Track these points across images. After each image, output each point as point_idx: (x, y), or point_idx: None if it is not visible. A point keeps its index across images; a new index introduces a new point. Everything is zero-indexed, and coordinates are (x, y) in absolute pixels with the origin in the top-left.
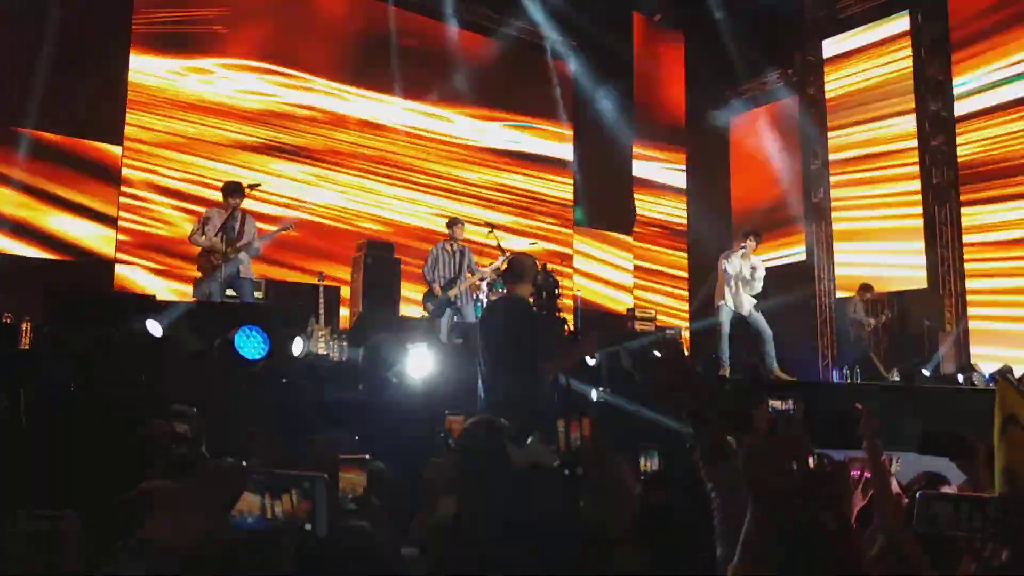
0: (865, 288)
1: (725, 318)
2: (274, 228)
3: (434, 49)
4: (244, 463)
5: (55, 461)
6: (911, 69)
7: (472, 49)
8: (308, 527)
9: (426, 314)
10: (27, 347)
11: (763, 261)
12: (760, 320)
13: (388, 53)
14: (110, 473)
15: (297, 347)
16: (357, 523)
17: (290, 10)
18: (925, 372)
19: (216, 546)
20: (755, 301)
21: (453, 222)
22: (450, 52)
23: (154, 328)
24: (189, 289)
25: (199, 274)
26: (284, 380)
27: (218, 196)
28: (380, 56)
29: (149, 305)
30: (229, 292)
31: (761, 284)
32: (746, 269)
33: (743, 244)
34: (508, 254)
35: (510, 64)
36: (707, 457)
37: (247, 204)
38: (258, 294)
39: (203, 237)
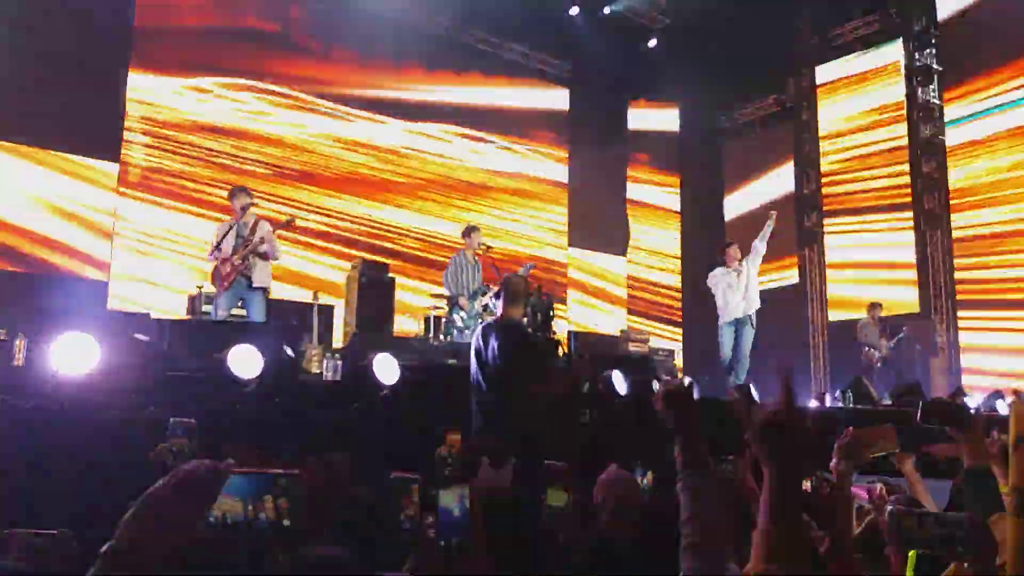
0: (874, 306)
1: (727, 339)
2: (280, 222)
3: (433, 71)
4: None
5: (47, 479)
6: (904, 96)
7: (470, 71)
8: (286, 523)
9: (462, 326)
10: (21, 364)
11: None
12: (748, 339)
13: (386, 75)
14: (103, 491)
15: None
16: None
17: (288, 33)
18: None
19: (190, 548)
20: (753, 309)
21: (471, 230)
22: (449, 75)
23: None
24: (184, 307)
25: (214, 289)
26: (276, 400)
27: (211, 212)
28: (377, 78)
29: (143, 323)
30: (239, 307)
31: (756, 276)
32: (732, 277)
33: (726, 256)
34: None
35: (507, 86)
36: (690, 466)
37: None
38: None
39: (217, 251)
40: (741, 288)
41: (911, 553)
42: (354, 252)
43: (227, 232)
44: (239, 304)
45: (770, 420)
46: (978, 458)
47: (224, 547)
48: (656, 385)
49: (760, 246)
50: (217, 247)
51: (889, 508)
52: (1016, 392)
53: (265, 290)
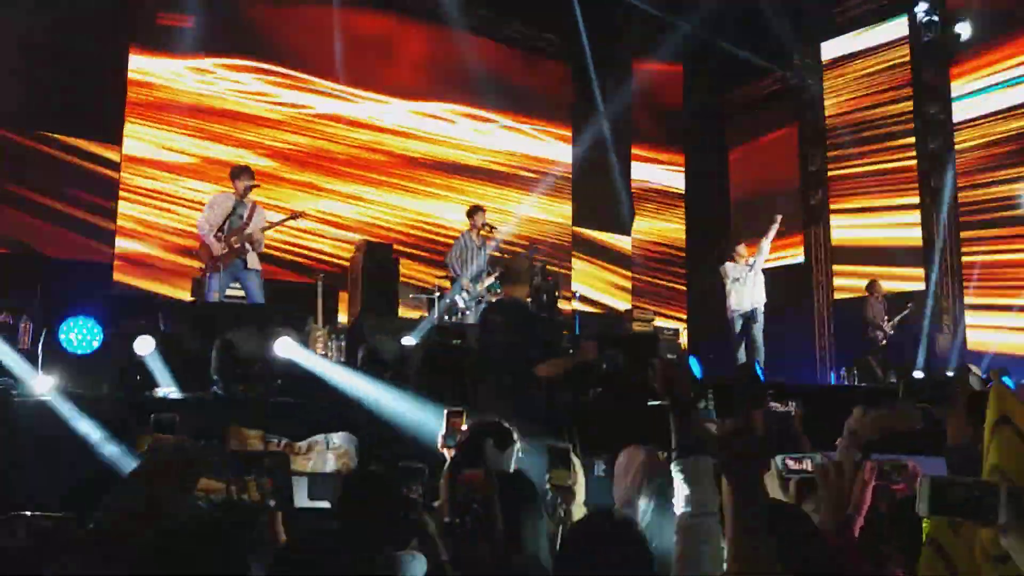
0: (874, 283)
1: (738, 326)
2: (280, 216)
3: (435, 52)
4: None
5: (51, 462)
6: (909, 72)
7: (472, 51)
8: (272, 503)
9: (464, 307)
10: (26, 347)
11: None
12: (759, 329)
13: (389, 56)
14: (107, 475)
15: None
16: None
17: (291, 12)
18: (918, 375)
19: (174, 530)
20: (760, 302)
21: (475, 210)
22: (451, 55)
23: (143, 347)
24: (188, 287)
25: (202, 265)
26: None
27: (214, 191)
28: (380, 58)
29: (148, 304)
30: (235, 286)
31: (761, 271)
32: (742, 271)
33: (735, 252)
34: (506, 256)
35: (510, 65)
36: (685, 448)
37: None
38: None
39: (207, 225)
40: (749, 283)
41: (925, 523)
42: (358, 233)
43: (229, 214)
44: (233, 284)
45: (723, 435)
46: (958, 436)
47: (208, 529)
48: (656, 362)
49: (765, 246)
50: (220, 228)
51: (923, 474)
52: (996, 373)
53: (259, 271)
